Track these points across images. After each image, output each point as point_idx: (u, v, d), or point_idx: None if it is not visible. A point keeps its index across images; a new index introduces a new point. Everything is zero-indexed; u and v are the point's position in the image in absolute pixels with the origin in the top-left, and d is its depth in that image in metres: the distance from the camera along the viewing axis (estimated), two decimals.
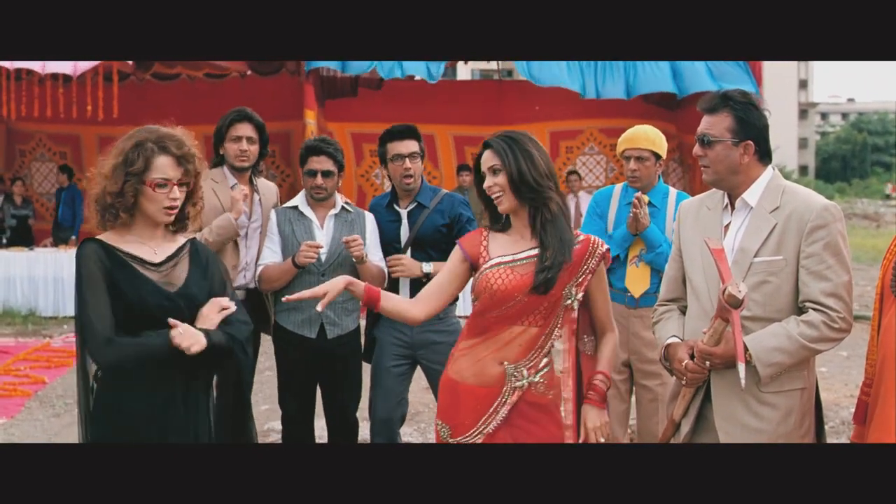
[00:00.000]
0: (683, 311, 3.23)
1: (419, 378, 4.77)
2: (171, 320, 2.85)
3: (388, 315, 3.30)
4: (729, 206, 3.12)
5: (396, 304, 3.28)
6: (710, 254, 2.96)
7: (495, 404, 3.07)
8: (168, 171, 2.92)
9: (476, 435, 3.08)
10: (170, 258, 2.99)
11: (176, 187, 2.94)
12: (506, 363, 3.07)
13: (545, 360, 3.09)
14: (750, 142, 3.03)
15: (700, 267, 3.11)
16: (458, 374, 3.14)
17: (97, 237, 2.94)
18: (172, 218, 2.98)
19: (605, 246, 3.17)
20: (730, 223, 3.10)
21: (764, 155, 3.07)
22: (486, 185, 3.12)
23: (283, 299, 3.40)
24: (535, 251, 3.09)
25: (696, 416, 3.11)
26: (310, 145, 4.55)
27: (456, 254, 3.24)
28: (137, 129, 2.99)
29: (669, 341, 3.16)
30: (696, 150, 3.10)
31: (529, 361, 3.08)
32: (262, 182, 4.76)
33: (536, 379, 3.08)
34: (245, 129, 4.52)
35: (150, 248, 2.96)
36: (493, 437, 3.07)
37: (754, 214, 3.04)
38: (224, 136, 4.52)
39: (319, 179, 4.45)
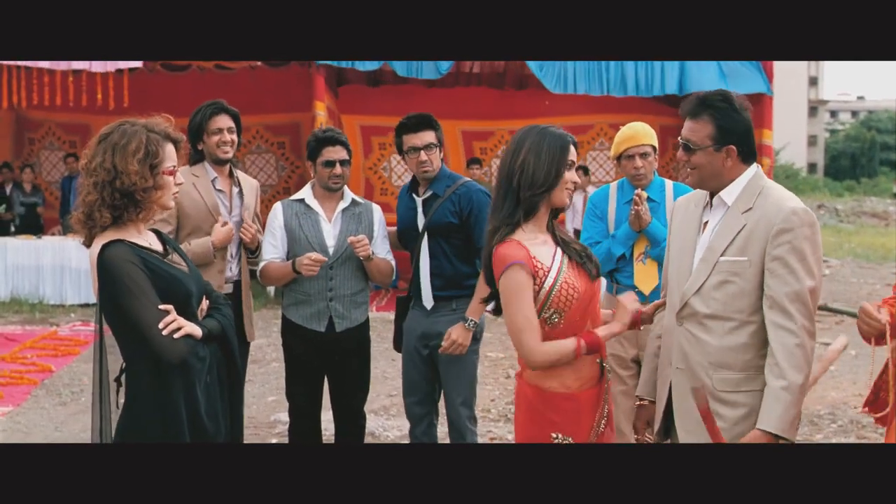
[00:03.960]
0: None
1: None
2: (167, 306, 2.85)
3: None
4: (709, 204, 3.11)
5: None
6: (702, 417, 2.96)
7: (603, 402, 3.02)
8: (175, 158, 2.98)
9: (592, 437, 2.99)
10: (165, 246, 3.02)
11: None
12: (599, 360, 3.01)
13: None
14: (732, 146, 3.00)
15: (676, 262, 3.14)
16: (566, 386, 2.96)
17: (111, 238, 2.85)
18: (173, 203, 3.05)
19: None
20: (708, 221, 3.09)
21: (747, 156, 3.04)
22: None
23: None
24: (555, 246, 3.01)
25: (663, 414, 3.13)
26: (325, 137, 4.52)
27: (521, 274, 2.90)
28: (119, 122, 2.94)
29: (641, 402, 3.32)
30: (680, 154, 3.09)
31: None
32: (241, 175, 4.77)
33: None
34: (224, 121, 4.56)
35: (145, 239, 2.96)
36: (602, 437, 3.00)
37: (728, 214, 3.03)
38: (203, 131, 4.54)
39: (338, 168, 4.46)
